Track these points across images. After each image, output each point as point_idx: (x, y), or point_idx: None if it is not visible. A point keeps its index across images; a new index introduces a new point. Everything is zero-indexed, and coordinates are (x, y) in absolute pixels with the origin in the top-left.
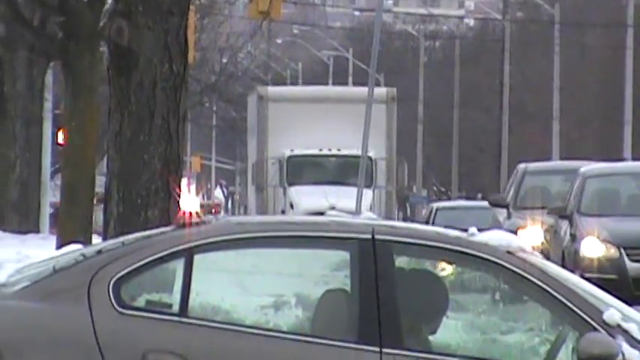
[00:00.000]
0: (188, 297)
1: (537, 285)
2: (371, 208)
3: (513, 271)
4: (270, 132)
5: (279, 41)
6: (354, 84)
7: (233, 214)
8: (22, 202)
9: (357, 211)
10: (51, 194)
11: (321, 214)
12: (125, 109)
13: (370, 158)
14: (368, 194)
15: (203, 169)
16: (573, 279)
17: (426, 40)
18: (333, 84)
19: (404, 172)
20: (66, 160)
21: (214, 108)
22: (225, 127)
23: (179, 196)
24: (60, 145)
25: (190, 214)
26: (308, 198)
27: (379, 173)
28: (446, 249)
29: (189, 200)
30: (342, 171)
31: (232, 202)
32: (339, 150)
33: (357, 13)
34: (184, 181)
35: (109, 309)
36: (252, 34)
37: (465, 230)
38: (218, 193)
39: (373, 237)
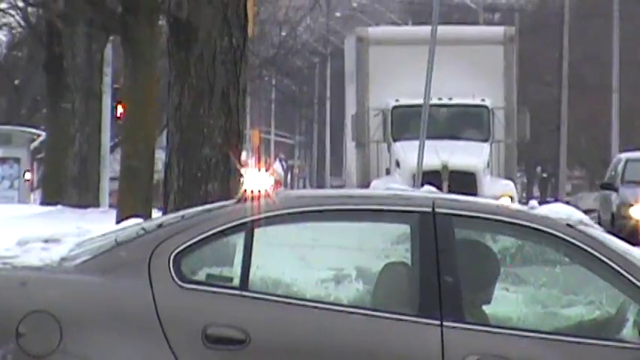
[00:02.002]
0: (249, 271)
1: (598, 258)
2: (488, 165)
3: (574, 244)
4: (371, 79)
5: (338, 14)
6: None
7: (292, 188)
8: (81, 176)
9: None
10: (110, 169)
11: (435, 172)
12: (185, 83)
13: (487, 107)
14: (484, 149)
15: (262, 142)
16: (634, 251)
17: (484, 13)
18: None
19: (526, 122)
20: (126, 134)
21: (273, 82)
22: (285, 101)
23: (241, 171)
24: (119, 119)
25: (258, 192)
26: (416, 155)
27: (497, 124)
28: (506, 222)
29: (259, 177)
30: (455, 123)
31: (292, 176)
32: (450, 99)
33: None
34: (248, 156)
35: (169, 283)
36: (311, 8)
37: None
38: (277, 167)
39: (434, 210)
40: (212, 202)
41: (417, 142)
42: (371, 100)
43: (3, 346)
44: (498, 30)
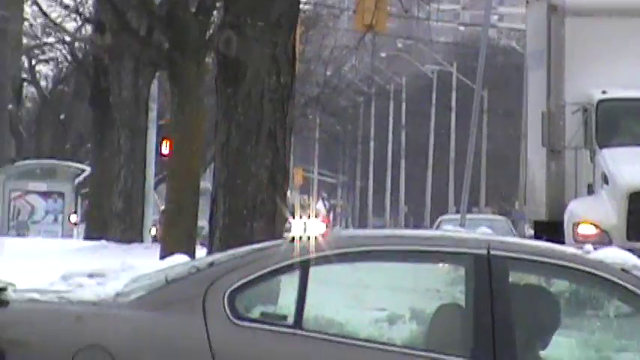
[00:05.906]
0: (303, 309)
1: None
2: None
3: (628, 289)
4: (568, 63)
5: (383, 55)
6: (458, 99)
7: (334, 227)
8: (126, 211)
9: None
10: (154, 204)
11: None
12: (232, 121)
13: None
14: None
15: (305, 181)
16: None
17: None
18: (437, 99)
19: None
20: (171, 170)
21: (317, 121)
22: (328, 140)
23: (287, 210)
24: (163, 155)
25: (312, 231)
26: (633, 167)
27: None
28: (561, 266)
29: (314, 224)
30: None
31: (334, 215)
32: None
33: (461, 28)
34: (292, 195)
35: (224, 320)
36: (357, 47)
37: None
38: (319, 207)
39: (489, 252)
40: (257, 240)
41: (632, 150)
42: (568, 92)
43: None
44: None
